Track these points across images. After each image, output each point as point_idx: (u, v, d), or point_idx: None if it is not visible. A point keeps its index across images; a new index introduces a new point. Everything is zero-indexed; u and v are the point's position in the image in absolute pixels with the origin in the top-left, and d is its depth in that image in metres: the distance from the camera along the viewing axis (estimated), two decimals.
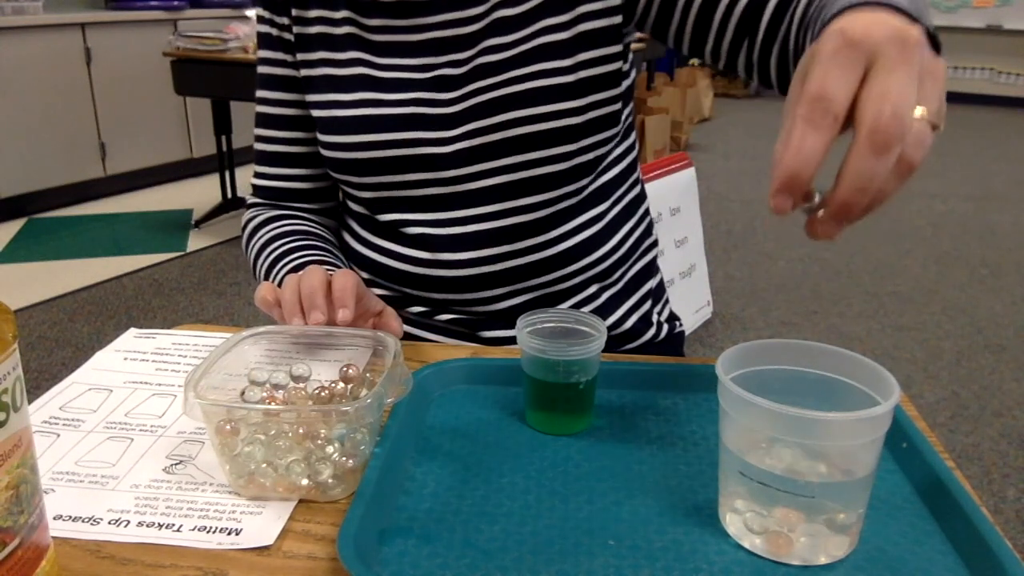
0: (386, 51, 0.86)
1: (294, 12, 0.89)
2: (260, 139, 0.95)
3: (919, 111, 0.42)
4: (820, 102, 0.42)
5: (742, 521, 0.51)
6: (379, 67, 0.86)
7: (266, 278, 0.87)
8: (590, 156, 0.84)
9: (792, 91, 0.45)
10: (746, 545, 0.51)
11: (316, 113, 0.88)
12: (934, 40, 0.52)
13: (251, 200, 0.98)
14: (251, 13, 3.93)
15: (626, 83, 0.88)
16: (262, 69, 0.93)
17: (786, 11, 0.73)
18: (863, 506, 0.50)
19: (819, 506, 0.48)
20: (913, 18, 0.50)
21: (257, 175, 0.96)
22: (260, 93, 0.94)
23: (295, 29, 0.89)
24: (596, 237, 0.87)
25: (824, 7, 0.61)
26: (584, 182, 0.86)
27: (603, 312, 0.89)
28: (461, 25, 0.84)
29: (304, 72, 0.89)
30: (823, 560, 0.49)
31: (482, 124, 0.82)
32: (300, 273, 0.73)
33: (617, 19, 0.82)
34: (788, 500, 0.48)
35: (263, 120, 0.94)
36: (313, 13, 0.88)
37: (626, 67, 0.88)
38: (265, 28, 0.91)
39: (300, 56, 0.89)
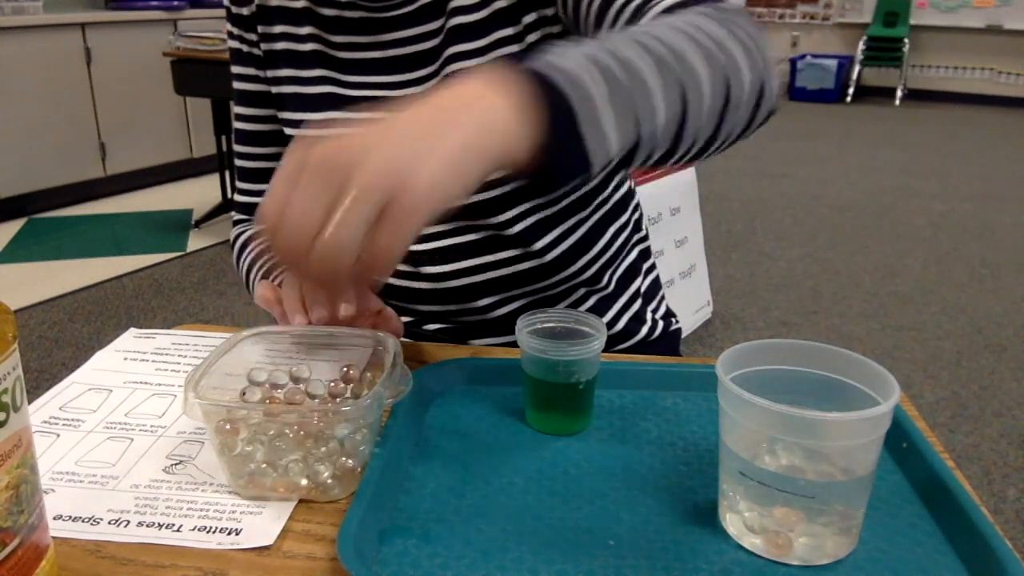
0: (353, 69, 0.85)
1: (260, 29, 0.87)
2: (239, 155, 0.94)
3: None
4: None
5: (742, 521, 0.51)
6: (347, 85, 0.85)
7: None
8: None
9: None
10: (746, 545, 0.51)
11: (287, 131, 0.88)
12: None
13: (236, 217, 0.98)
14: None
15: None
16: (237, 85, 0.92)
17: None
18: (863, 506, 0.50)
19: (819, 506, 0.48)
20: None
21: (239, 191, 0.96)
22: (236, 109, 0.93)
23: (263, 46, 0.88)
24: (579, 245, 0.86)
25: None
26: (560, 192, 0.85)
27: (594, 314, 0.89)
28: (423, 40, 0.82)
29: (274, 89, 0.88)
30: (823, 560, 0.49)
31: None
32: None
33: (556, 28, 0.80)
34: (788, 500, 0.48)
35: (241, 137, 0.93)
36: (278, 29, 0.86)
37: None
38: (235, 44, 0.90)
39: (270, 73, 0.88)
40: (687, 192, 2.77)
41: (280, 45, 0.87)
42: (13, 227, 3.90)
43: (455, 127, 0.47)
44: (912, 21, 7.86)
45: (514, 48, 0.80)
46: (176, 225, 3.93)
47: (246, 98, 0.91)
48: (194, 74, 3.51)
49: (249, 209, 0.95)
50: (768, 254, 3.55)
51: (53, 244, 3.68)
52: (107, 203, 4.31)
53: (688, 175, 2.78)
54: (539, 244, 0.84)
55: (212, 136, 3.86)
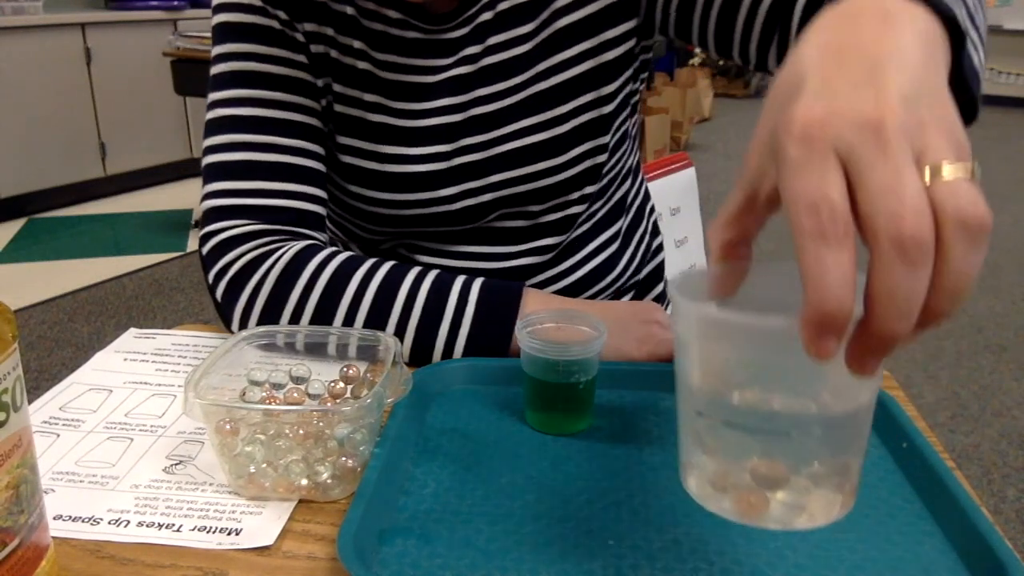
0: (397, 93, 0.78)
1: (307, 26, 0.75)
2: (243, 146, 0.74)
3: (947, 170, 0.32)
4: (820, 208, 0.31)
5: (706, 478, 0.41)
6: (396, 113, 0.78)
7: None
8: (614, 192, 0.84)
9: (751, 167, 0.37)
10: (712, 509, 0.41)
11: (338, 155, 0.79)
12: (956, 29, 0.40)
13: (239, 228, 0.72)
14: None
15: (623, 114, 0.84)
16: (250, 65, 0.74)
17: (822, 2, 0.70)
18: (859, 455, 0.39)
19: (800, 450, 0.38)
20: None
21: (266, 193, 0.73)
22: (244, 92, 0.74)
23: (313, 48, 0.76)
24: (613, 257, 0.87)
25: None
26: (597, 207, 0.85)
27: None
28: (467, 64, 0.78)
29: (324, 102, 0.78)
30: (806, 524, 0.39)
31: (506, 176, 0.79)
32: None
33: (649, 40, 0.80)
34: (761, 444, 0.38)
35: (249, 125, 0.74)
36: (329, 31, 0.76)
37: (626, 99, 0.83)
38: (262, 20, 0.74)
39: (321, 80, 0.77)
40: (687, 192, 2.77)
41: (334, 53, 0.76)
42: (13, 227, 3.89)
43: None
44: None
45: (570, 73, 0.78)
46: (176, 225, 3.93)
47: (265, 81, 0.74)
48: (194, 74, 3.51)
49: (285, 217, 0.74)
50: (768, 254, 3.54)
51: (53, 244, 3.68)
52: (107, 203, 4.31)
53: (688, 175, 2.77)
54: (572, 260, 0.85)
55: None
